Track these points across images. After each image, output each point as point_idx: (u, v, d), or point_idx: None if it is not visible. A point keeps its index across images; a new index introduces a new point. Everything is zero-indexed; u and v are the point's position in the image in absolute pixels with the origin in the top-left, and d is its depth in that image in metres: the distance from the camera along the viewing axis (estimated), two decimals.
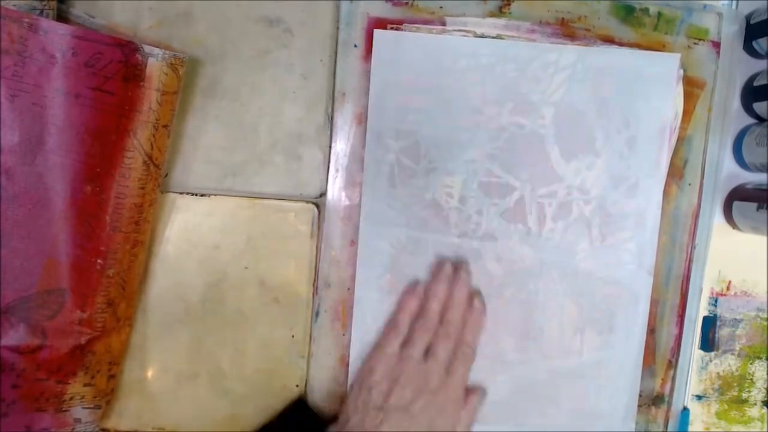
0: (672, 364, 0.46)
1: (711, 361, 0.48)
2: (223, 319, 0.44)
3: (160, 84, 0.39)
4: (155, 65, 0.38)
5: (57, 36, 0.36)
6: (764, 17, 0.43)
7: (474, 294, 0.44)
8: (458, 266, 0.43)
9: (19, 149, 0.36)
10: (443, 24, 0.43)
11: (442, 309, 0.42)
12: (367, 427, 0.38)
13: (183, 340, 0.44)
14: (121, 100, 0.38)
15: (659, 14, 0.44)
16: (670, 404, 0.46)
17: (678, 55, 0.43)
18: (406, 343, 0.41)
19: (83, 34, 0.36)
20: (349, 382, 0.44)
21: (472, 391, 0.43)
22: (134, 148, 0.39)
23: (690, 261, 0.45)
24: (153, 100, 0.39)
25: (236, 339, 0.44)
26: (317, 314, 0.44)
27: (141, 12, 0.42)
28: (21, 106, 0.36)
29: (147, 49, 0.38)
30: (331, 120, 0.43)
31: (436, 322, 0.41)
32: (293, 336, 0.44)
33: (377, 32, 0.42)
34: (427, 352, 0.41)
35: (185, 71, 0.40)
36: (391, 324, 0.42)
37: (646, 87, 0.43)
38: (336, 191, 0.43)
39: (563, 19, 0.44)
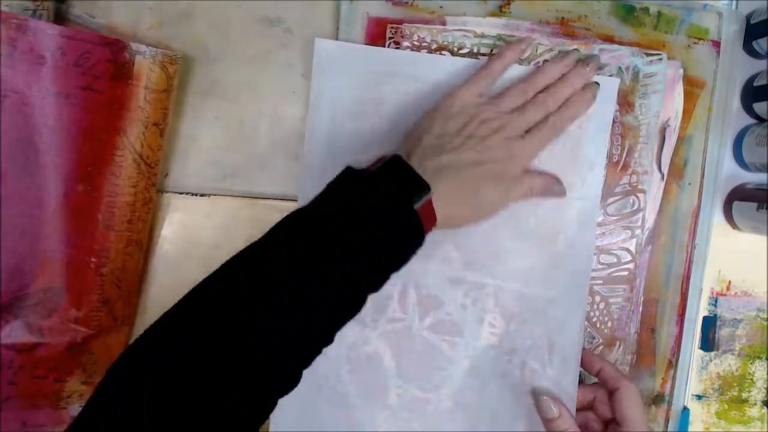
0: (672, 364, 0.46)
1: (711, 361, 0.47)
2: None
3: (148, 81, 0.39)
4: (143, 63, 0.38)
5: (45, 36, 0.36)
6: (764, 17, 0.43)
7: (589, 86, 0.40)
8: (588, 60, 0.41)
9: (10, 150, 0.36)
10: (443, 24, 0.43)
11: (547, 86, 0.39)
12: (437, 151, 0.35)
13: None
14: (110, 98, 0.38)
15: (659, 14, 0.44)
16: (670, 404, 0.46)
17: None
18: (495, 96, 0.39)
19: (71, 34, 0.37)
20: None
21: (538, 175, 0.40)
22: (124, 147, 0.39)
23: (690, 261, 0.45)
24: (141, 98, 0.39)
25: None
26: None
27: (141, 12, 0.42)
28: (11, 107, 0.36)
29: (134, 46, 0.38)
30: None
31: (535, 92, 0.39)
32: None
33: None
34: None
35: (177, 69, 0.40)
36: (484, 67, 0.40)
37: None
38: None
39: (563, 18, 0.44)
